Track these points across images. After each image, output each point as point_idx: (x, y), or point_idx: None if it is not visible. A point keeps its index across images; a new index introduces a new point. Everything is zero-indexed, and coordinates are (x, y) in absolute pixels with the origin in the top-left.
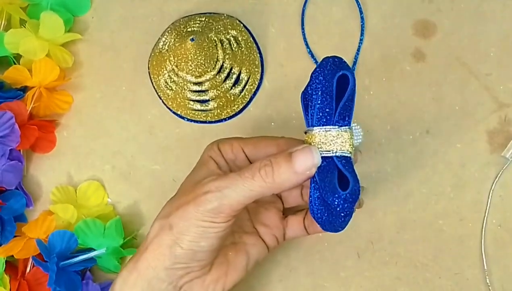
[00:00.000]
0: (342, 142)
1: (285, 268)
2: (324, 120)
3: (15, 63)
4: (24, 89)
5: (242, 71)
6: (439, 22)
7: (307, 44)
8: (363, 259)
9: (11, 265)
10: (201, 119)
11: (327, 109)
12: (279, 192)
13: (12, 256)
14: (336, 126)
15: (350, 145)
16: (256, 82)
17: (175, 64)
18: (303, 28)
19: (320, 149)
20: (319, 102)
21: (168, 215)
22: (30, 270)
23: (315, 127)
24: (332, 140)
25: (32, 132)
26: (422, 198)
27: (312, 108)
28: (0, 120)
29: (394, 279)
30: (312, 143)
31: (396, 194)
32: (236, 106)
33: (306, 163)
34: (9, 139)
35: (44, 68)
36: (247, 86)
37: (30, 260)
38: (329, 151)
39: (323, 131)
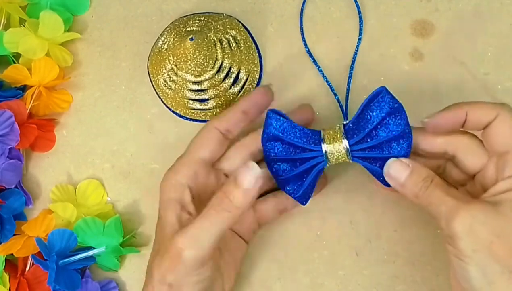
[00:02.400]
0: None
1: (284, 267)
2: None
3: (14, 62)
4: (24, 88)
5: (241, 70)
6: (437, 22)
7: (305, 44)
8: (361, 258)
9: (11, 263)
10: (200, 118)
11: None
12: (246, 209)
13: (12, 254)
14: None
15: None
16: (255, 82)
17: (174, 63)
18: (301, 28)
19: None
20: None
21: (163, 277)
22: (29, 269)
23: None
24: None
25: (32, 131)
26: None
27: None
28: (0, 119)
29: (392, 277)
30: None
31: (395, 193)
32: None
33: (250, 179)
34: (9, 138)
35: (44, 67)
36: (246, 86)
37: (30, 258)
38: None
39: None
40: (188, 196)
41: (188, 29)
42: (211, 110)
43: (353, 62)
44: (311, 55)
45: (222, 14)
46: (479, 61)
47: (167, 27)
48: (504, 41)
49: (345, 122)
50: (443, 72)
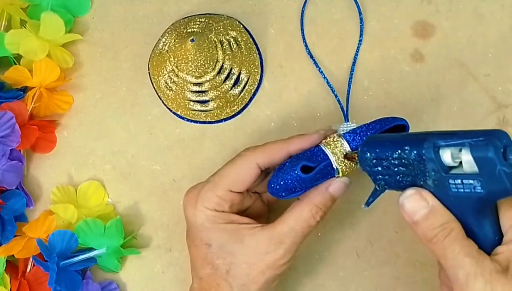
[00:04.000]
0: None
1: None
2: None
3: (15, 64)
4: (25, 89)
5: (241, 72)
6: (437, 23)
7: (306, 45)
8: (362, 259)
9: (12, 264)
10: (201, 120)
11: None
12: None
13: (13, 255)
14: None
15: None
16: (256, 83)
17: (175, 65)
18: (302, 29)
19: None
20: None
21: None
22: (30, 270)
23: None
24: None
25: (33, 133)
26: None
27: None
28: (1, 120)
29: (393, 279)
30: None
31: (395, 194)
32: (235, 106)
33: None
34: (10, 140)
35: (45, 69)
36: (246, 87)
37: (31, 259)
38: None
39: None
40: (234, 215)
41: (189, 30)
42: (212, 112)
43: (353, 63)
44: (311, 56)
45: (223, 15)
46: (479, 63)
47: (168, 28)
48: (505, 42)
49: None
50: (444, 73)
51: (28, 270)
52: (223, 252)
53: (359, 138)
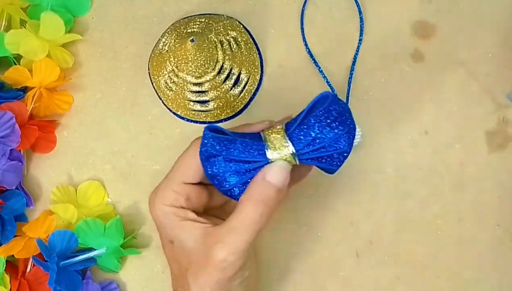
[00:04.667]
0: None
1: (284, 268)
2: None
3: (15, 64)
4: (25, 89)
5: (242, 72)
6: (438, 23)
7: (306, 45)
8: (362, 259)
9: (12, 264)
10: (201, 120)
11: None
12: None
13: (13, 255)
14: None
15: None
16: (256, 83)
17: (175, 65)
18: (302, 29)
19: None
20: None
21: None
22: (30, 270)
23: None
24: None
25: (33, 133)
26: (421, 198)
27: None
28: (1, 120)
29: (393, 279)
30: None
31: (395, 194)
32: (236, 106)
33: (281, 177)
34: (10, 140)
35: (45, 69)
36: (246, 87)
37: (31, 259)
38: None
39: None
40: (191, 213)
41: (189, 30)
42: (212, 112)
43: (353, 63)
44: (311, 56)
45: (223, 15)
46: (480, 62)
47: (168, 28)
48: (505, 42)
49: (287, 123)
50: (444, 73)
51: (28, 270)
52: (183, 250)
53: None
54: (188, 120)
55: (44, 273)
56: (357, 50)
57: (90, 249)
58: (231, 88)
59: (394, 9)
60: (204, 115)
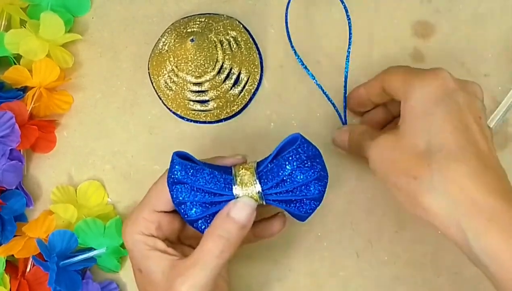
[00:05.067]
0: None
1: (284, 268)
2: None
3: (15, 64)
4: (24, 89)
5: (241, 71)
6: (437, 23)
7: (291, 43)
8: (362, 259)
9: (12, 264)
10: (201, 120)
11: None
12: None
13: (13, 255)
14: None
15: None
16: (256, 83)
17: (175, 64)
18: (287, 26)
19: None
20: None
21: None
22: (30, 270)
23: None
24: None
25: (32, 133)
26: None
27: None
28: (1, 120)
29: (393, 279)
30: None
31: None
32: (235, 106)
33: (246, 214)
34: (10, 139)
35: (44, 69)
36: (246, 87)
37: (31, 259)
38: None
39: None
40: (161, 243)
41: (189, 30)
42: (212, 112)
43: (347, 66)
44: (297, 55)
45: (223, 15)
46: (479, 62)
47: (167, 28)
48: (505, 42)
49: (258, 161)
50: None
51: (28, 270)
52: (150, 280)
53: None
54: (188, 120)
55: (44, 273)
56: (349, 48)
57: (90, 249)
58: (231, 88)
59: (394, 9)
60: (204, 115)
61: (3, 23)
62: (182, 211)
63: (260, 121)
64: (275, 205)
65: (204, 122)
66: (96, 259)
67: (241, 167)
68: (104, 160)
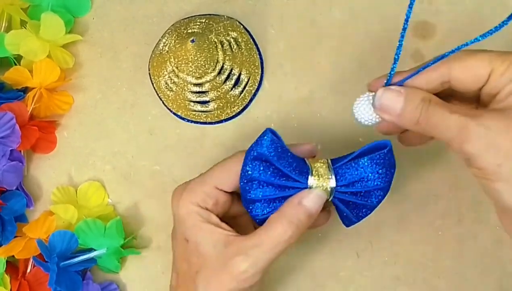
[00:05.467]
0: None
1: (284, 268)
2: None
3: (15, 64)
4: (25, 90)
5: (242, 72)
6: (438, 24)
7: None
8: (362, 259)
9: (12, 265)
10: (201, 120)
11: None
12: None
13: (13, 256)
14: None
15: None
16: (256, 83)
17: (175, 65)
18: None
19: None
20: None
21: None
22: (30, 270)
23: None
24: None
25: (33, 133)
26: (421, 198)
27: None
28: (1, 121)
29: (394, 279)
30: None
31: (395, 194)
32: (236, 107)
33: (316, 203)
34: (10, 140)
35: (45, 69)
36: (247, 87)
37: (31, 260)
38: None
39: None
40: (215, 217)
41: (189, 31)
42: (212, 112)
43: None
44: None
45: (223, 16)
46: None
47: (168, 29)
48: (506, 43)
49: (332, 159)
50: None
51: (28, 270)
52: (197, 251)
53: (347, 174)
54: (188, 120)
55: (44, 273)
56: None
57: (90, 250)
58: (232, 89)
59: (394, 10)
60: (205, 115)
61: (3, 24)
62: (247, 188)
63: (261, 121)
64: (338, 204)
65: (205, 123)
66: (97, 260)
67: (315, 160)
68: (104, 161)
